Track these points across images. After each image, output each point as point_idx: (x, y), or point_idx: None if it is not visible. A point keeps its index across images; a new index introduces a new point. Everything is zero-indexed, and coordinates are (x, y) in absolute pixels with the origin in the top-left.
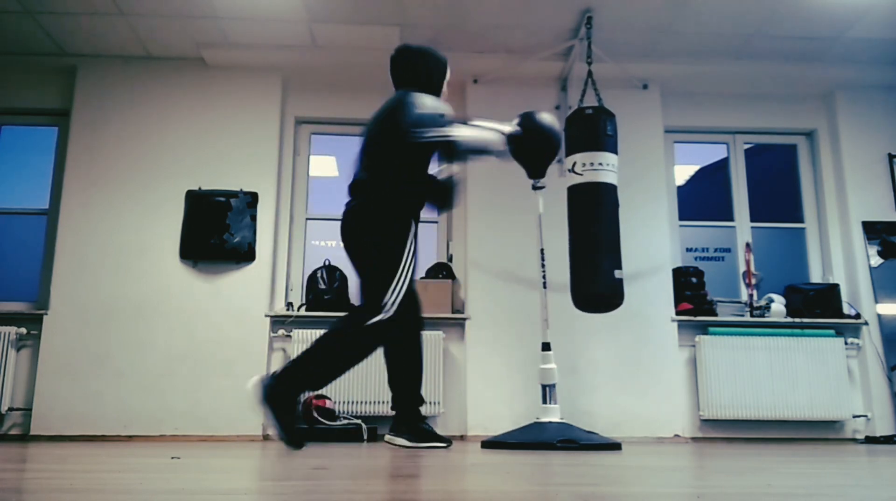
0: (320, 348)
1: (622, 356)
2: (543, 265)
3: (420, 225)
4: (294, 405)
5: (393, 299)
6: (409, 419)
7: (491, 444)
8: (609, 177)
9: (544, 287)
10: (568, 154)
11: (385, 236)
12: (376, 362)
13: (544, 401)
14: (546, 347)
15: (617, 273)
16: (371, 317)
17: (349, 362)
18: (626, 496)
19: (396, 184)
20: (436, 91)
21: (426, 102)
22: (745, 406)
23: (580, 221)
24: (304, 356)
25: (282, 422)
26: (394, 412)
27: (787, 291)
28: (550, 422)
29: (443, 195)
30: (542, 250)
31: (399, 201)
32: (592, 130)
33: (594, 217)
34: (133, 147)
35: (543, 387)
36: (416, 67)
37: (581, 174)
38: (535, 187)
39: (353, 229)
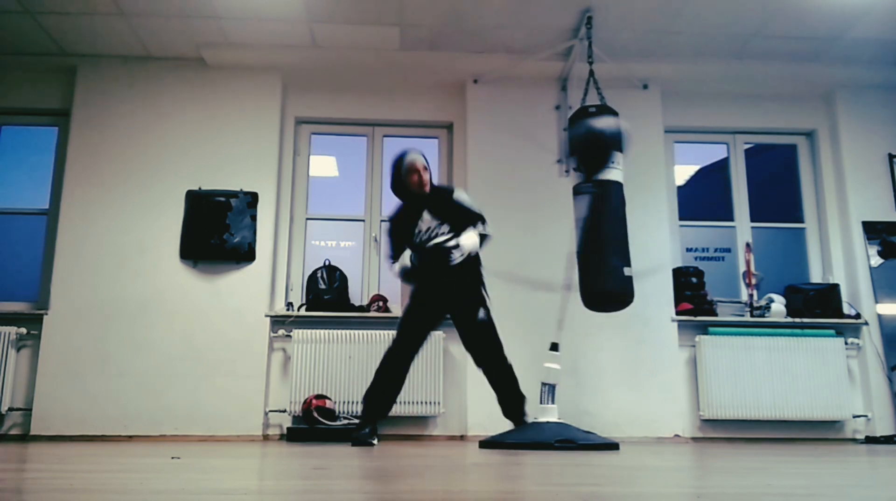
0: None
1: (622, 356)
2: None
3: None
4: None
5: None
6: (512, 416)
7: (489, 444)
8: (615, 174)
9: (568, 289)
10: (572, 153)
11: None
12: (376, 362)
13: (542, 401)
14: (555, 347)
15: (626, 270)
16: None
17: (384, 377)
18: (627, 496)
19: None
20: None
21: None
22: (745, 406)
23: (588, 219)
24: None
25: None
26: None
27: (788, 291)
28: (548, 422)
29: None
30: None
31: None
32: None
33: (601, 214)
34: (133, 147)
35: (543, 386)
36: None
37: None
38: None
39: None
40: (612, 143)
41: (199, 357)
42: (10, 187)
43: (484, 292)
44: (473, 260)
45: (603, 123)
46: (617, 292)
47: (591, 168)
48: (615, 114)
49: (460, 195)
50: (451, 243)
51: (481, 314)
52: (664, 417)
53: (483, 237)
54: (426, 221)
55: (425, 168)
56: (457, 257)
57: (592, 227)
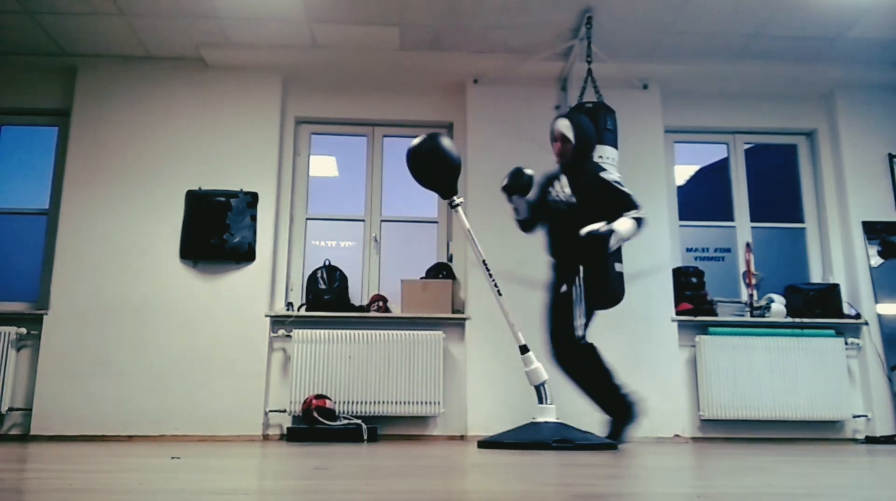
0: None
1: (622, 356)
2: (490, 275)
3: (422, 225)
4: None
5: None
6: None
7: (487, 444)
8: (610, 171)
9: (499, 294)
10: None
11: None
12: (376, 362)
13: (540, 401)
14: (524, 349)
15: (617, 266)
16: None
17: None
18: (627, 496)
19: None
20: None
21: None
22: (745, 406)
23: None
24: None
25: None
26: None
27: (788, 291)
28: (546, 422)
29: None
30: (483, 262)
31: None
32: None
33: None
34: (133, 147)
35: (537, 387)
36: None
37: None
38: (451, 205)
39: None
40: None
41: (199, 357)
42: (10, 187)
43: (581, 279)
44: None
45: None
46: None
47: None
48: (611, 110)
49: (609, 175)
50: (604, 229)
51: (563, 288)
52: (664, 417)
53: (638, 221)
54: (557, 189)
55: (564, 138)
56: (613, 243)
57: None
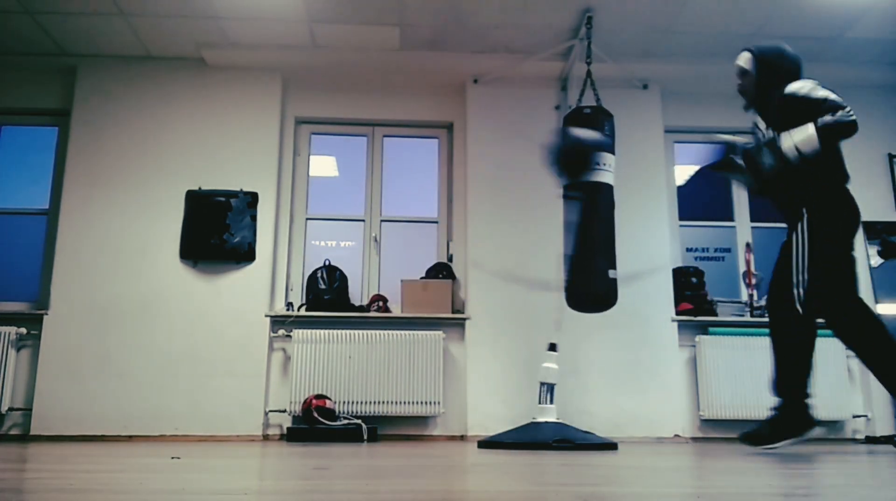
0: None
1: (622, 356)
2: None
3: (422, 225)
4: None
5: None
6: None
7: (487, 444)
8: (606, 177)
9: (563, 290)
10: (553, 161)
11: None
12: (376, 362)
13: (541, 401)
14: (553, 347)
15: (611, 273)
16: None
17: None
18: (626, 496)
19: None
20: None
21: None
22: (745, 406)
23: (576, 221)
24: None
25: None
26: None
27: None
28: (547, 422)
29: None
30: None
31: None
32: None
33: (589, 217)
34: (133, 147)
35: (542, 385)
36: None
37: None
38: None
39: None
40: (591, 150)
41: (199, 357)
42: (10, 187)
43: (804, 224)
44: (819, 167)
45: (582, 133)
46: (600, 293)
47: (572, 175)
48: (609, 114)
49: (794, 87)
50: (738, 142)
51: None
52: (664, 417)
53: (828, 129)
54: (760, 132)
55: (741, 72)
56: (769, 161)
57: (581, 229)
